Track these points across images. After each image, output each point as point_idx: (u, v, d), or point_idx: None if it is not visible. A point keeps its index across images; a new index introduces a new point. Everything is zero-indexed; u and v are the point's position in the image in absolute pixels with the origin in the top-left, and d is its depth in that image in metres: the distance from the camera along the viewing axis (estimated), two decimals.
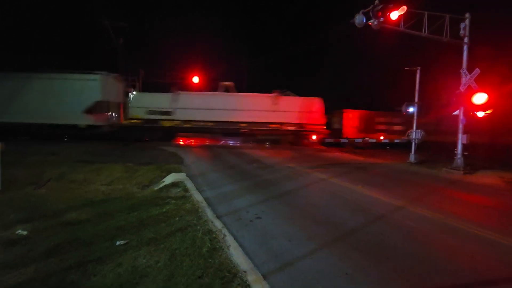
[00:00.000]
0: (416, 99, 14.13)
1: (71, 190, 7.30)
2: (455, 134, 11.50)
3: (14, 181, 7.70)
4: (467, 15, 11.22)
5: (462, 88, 10.92)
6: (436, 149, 15.66)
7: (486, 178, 10.10)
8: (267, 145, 20.18)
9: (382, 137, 20.48)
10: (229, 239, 4.30)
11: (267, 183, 8.45)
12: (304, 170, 10.65)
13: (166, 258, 3.75)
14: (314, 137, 20.21)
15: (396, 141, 19.55)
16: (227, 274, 3.40)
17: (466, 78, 10.90)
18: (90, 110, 18.70)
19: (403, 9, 10.30)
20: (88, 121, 18.84)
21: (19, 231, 4.54)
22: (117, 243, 4.14)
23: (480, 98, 10.29)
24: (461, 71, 11.16)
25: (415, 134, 13.86)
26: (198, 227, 4.75)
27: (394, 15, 10.35)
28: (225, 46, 35.53)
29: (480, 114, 10.72)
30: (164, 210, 5.64)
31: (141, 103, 20.22)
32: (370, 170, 11.46)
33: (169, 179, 8.26)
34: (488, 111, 10.57)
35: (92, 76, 18.99)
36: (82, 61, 26.01)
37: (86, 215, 5.41)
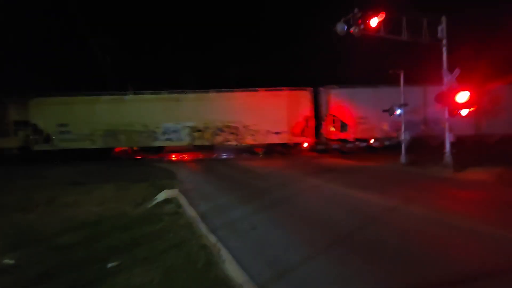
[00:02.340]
0: (402, 101, 14.43)
1: (61, 213, 7.15)
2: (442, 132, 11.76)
3: (1, 207, 7.51)
4: (443, 18, 11.66)
5: (444, 88, 11.23)
6: (427, 147, 15.92)
7: (476, 174, 10.27)
8: (260, 155, 20.22)
9: (372, 140, 20.57)
10: (224, 253, 4.26)
11: (262, 192, 8.44)
12: (298, 177, 10.69)
13: (161, 276, 3.69)
14: (305, 144, 20.31)
15: (386, 143, 19.69)
16: None
17: (447, 78, 11.23)
18: None
19: (381, 16, 10.64)
20: None
21: (6, 260, 4.40)
22: (109, 265, 4.06)
23: (462, 96, 10.56)
24: (442, 71, 11.51)
25: (404, 135, 14.08)
26: (193, 242, 4.70)
27: (374, 21, 10.67)
28: None
29: (464, 112, 10.95)
30: (157, 227, 5.58)
31: None
32: (363, 173, 11.57)
33: (162, 195, 8.19)
34: (471, 109, 10.81)
35: None
36: (69, 79, 26.01)
37: (77, 237, 5.30)
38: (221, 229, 5.37)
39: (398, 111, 14.43)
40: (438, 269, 3.67)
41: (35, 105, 18.63)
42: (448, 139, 11.56)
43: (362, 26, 10.63)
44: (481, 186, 8.53)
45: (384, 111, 15.11)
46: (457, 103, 10.62)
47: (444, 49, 11.63)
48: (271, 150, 19.80)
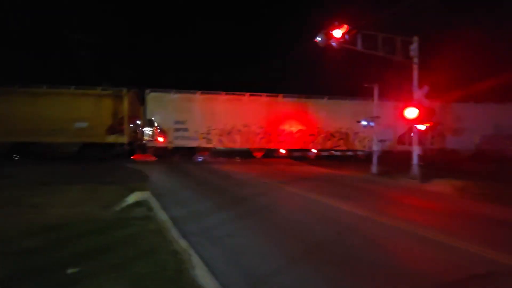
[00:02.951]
0: (374, 114, 15.10)
1: (23, 215, 6.62)
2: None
3: None
4: (415, 38, 12.40)
5: (414, 104, 11.89)
6: (397, 159, 16.74)
7: (440, 186, 10.90)
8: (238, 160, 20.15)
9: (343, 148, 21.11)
10: (195, 260, 4.15)
11: (238, 199, 8.38)
12: (276, 185, 10.75)
13: (126, 284, 3.51)
14: (283, 151, 20.56)
15: (359, 152, 20.42)
16: None
17: (417, 95, 11.92)
18: None
19: (344, 28, 11.10)
20: None
21: None
22: (71, 271, 3.81)
23: (411, 112, 11.23)
24: (412, 88, 12.20)
25: (375, 146, 14.69)
26: (163, 248, 4.54)
27: (338, 33, 11.10)
28: None
29: (421, 127, 11.61)
30: (125, 232, 5.32)
31: None
32: (337, 182, 11.89)
33: (132, 198, 7.87)
34: (427, 124, 11.44)
35: None
36: (47, 73, 24.61)
37: (37, 242, 4.92)
38: (194, 235, 5.24)
39: (364, 123, 15.16)
40: (401, 278, 3.83)
41: (152, 100, 18.24)
42: (415, 152, 12.21)
43: (325, 36, 11.10)
44: (443, 198, 9.06)
45: (358, 122, 15.76)
46: (417, 118, 11.26)
47: (415, 67, 12.34)
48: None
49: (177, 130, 18.31)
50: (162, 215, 6.25)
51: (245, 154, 20.09)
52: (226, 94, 19.21)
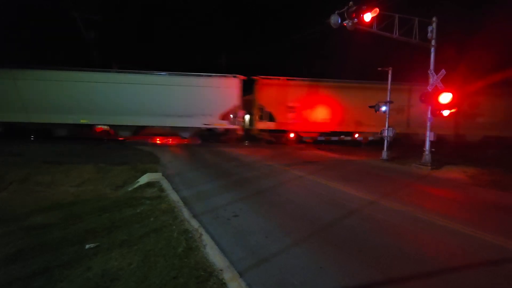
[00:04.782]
0: (388, 98, 14.71)
1: (36, 192, 6.89)
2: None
3: None
4: (434, 19, 11.81)
5: (429, 88, 11.49)
6: (408, 145, 16.46)
7: (451, 173, 10.74)
8: (246, 143, 20.19)
9: (357, 135, 20.93)
10: (206, 238, 4.25)
11: (245, 181, 8.45)
12: (282, 168, 10.76)
13: (139, 260, 3.64)
14: (291, 135, 20.43)
15: (370, 138, 20.14)
16: (202, 273, 3.36)
17: (433, 79, 11.49)
18: None
19: (375, 11, 10.67)
20: None
21: None
22: (87, 246, 3.96)
23: (445, 97, 10.89)
24: (428, 72, 11.75)
25: (387, 132, 14.41)
26: (174, 227, 4.66)
27: (368, 16, 10.71)
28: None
29: (446, 112, 11.30)
30: (138, 211, 5.48)
31: None
32: (345, 167, 11.80)
33: (144, 179, 8.04)
34: (452, 110, 11.16)
35: None
36: (51, 55, 24.66)
37: (52, 218, 5.12)
38: (203, 215, 5.34)
39: (384, 108, 14.76)
40: (406, 261, 3.83)
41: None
42: (428, 138, 11.93)
43: (355, 20, 10.63)
44: (454, 185, 8.92)
45: (371, 107, 15.39)
46: (440, 103, 10.96)
47: (433, 50, 11.84)
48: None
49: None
50: (173, 196, 6.37)
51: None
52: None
